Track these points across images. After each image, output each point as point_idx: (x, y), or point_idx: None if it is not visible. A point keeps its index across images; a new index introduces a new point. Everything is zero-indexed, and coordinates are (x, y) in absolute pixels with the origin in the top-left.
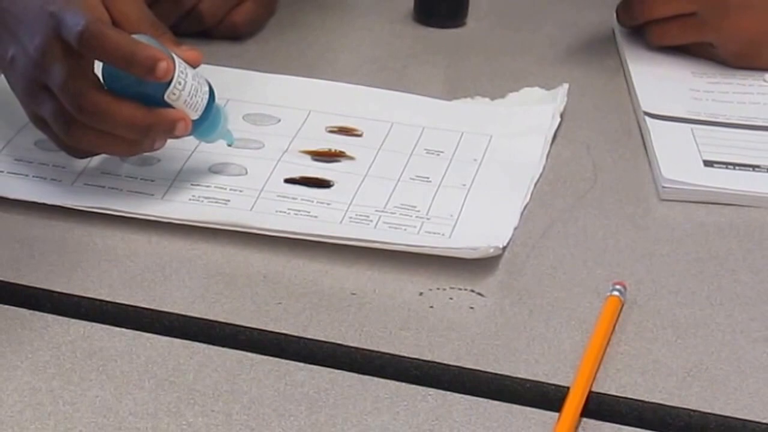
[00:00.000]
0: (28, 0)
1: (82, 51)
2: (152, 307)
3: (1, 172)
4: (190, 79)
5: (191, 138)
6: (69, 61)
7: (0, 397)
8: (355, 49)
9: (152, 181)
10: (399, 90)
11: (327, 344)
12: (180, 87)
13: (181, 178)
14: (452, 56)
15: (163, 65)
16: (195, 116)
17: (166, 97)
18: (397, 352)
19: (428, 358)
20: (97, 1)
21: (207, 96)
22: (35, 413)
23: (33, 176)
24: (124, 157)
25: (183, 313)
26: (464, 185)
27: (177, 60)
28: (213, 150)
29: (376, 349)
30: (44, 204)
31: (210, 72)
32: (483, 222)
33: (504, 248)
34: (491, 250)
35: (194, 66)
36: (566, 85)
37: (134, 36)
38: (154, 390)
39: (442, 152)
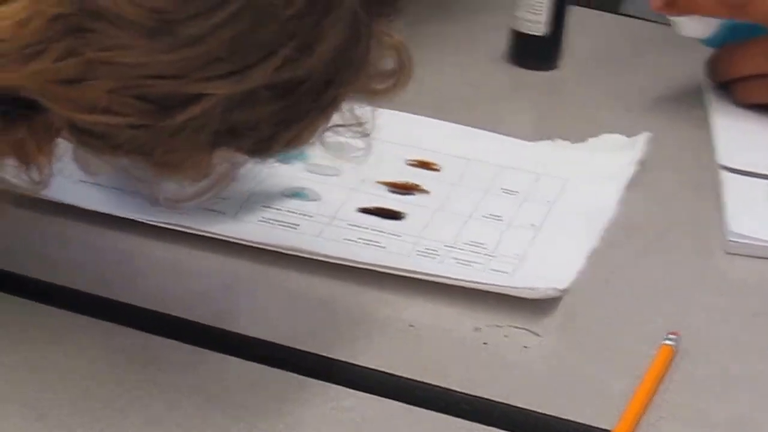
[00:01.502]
0: None
1: None
2: (211, 323)
3: (83, 181)
4: None
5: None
6: None
7: (53, 398)
8: (446, 85)
9: (225, 199)
10: (484, 128)
11: (377, 372)
12: None
13: (254, 199)
14: (540, 98)
15: None
16: None
17: None
18: (447, 385)
19: (478, 394)
20: None
21: None
22: (86, 417)
23: (111, 187)
24: None
25: (240, 331)
26: (534, 226)
27: None
28: (288, 174)
29: (426, 380)
30: (116, 216)
31: None
32: (548, 263)
33: (564, 291)
34: (551, 292)
35: None
36: (647, 134)
37: None
38: (203, 405)
39: (517, 192)
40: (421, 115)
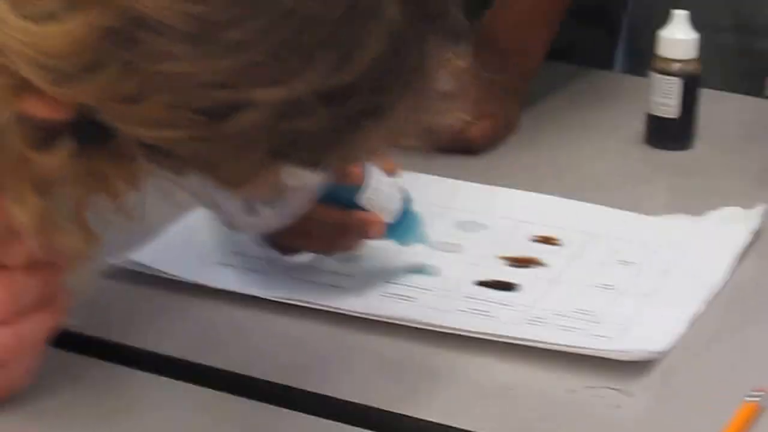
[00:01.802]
0: None
1: None
2: (318, 391)
3: (215, 262)
4: (385, 186)
5: (407, 242)
6: None
7: None
8: (583, 167)
9: (350, 276)
10: (616, 205)
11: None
12: (374, 193)
13: (378, 275)
14: (672, 176)
15: (355, 171)
16: (389, 219)
17: (360, 201)
18: None
19: None
20: None
21: (401, 202)
22: None
23: (242, 267)
24: (327, 254)
25: (342, 397)
26: (644, 294)
27: (374, 170)
28: (414, 251)
29: None
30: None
31: (436, 182)
32: (650, 328)
33: (661, 353)
34: (645, 354)
35: (391, 175)
36: (765, 206)
37: None
38: None
39: (633, 263)
40: (558, 194)
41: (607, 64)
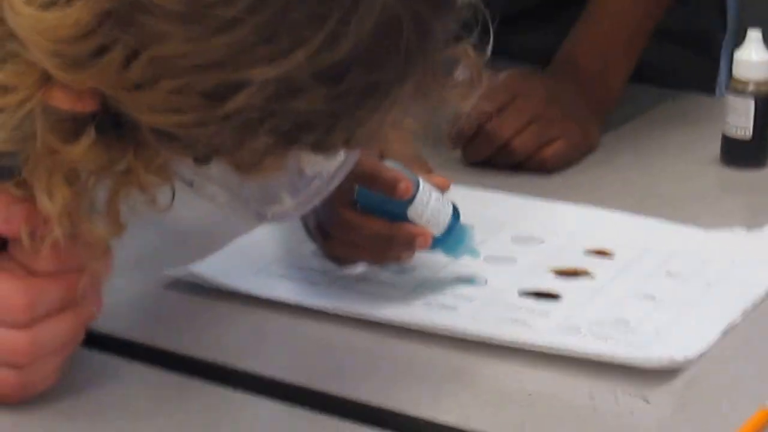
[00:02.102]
0: None
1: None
2: (345, 395)
3: (271, 274)
4: (434, 200)
5: (456, 254)
6: None
7: None
8: (656, 185)
9: (398, 287)
10: (684, 221)
11: None
12: (422, 206)
13: (426, 285)
14: (744, 195)
15: (402, 185)
16: (437, 233)
17: (408, 214)
18: None
19: None
20: None
21: (450, 216)
22: None
23: (298, 279)
24: (380, 265)
25: (373, 402)
26: (685, 305)
27: (423, 184)
28: (466, 263)
29: None
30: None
31: (497, 198)
32: (682, 336)
33: (685, 361)
34: (670, 362)
35: (443, 190)
36: None
37: (386, 162)
38: None
39: (679, 275)
40: (629, 212)
41: (709, 88)
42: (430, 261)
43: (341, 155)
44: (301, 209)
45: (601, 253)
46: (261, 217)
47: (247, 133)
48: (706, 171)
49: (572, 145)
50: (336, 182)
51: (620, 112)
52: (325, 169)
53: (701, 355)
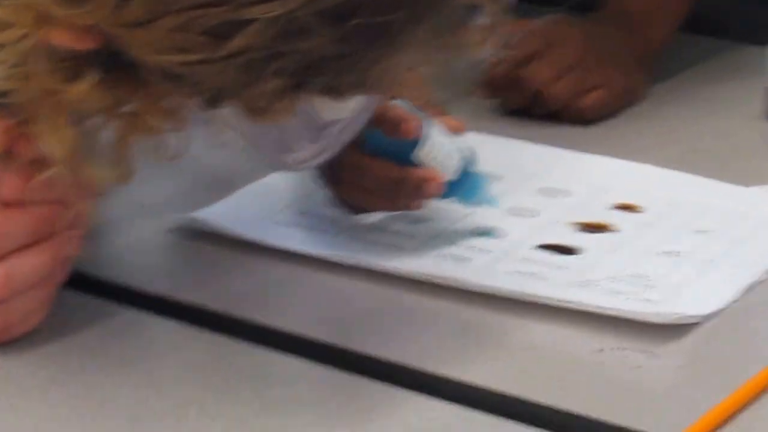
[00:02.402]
0: None
1: None
2: (352, 347)
3: (280, 222)
4: (445, 143)
5: (472, 202)
6: None
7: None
8: (698, 140)
9: (412, 237)
10: (725, 180)
11: (484, 391)
12: (432, 149)
13: (442, 236)
14: None
15: (408, 125)
16: (450, 178)
17: (417, 157)
18: (549, 403)
19: (570, 407)
20: None
21: (463, 161)
22: None
23: (307, 227)
24: (392, 213)
25: (373, 353)
26: (710, 261)
27: (433, 126)
28: (485, 214)
29: (532, 399)
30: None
31: (526, 148)
32: (700, 293)
33: (697, 317)
34: (681, 318)
35: (457, 134)
36: None
37: (394, 102)
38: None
39: (708, 231)
40: (667, 166)
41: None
42: (448, 212)
43: (359, 100)
44: (322, 156)
45: (629, 207)
46: (281, 165)
47: (254, 74)
48: (751, 126)
49: (612, 94)
50: (356, 128)
51: (670, 62)
52: (344, 115)
53: (717, 313)
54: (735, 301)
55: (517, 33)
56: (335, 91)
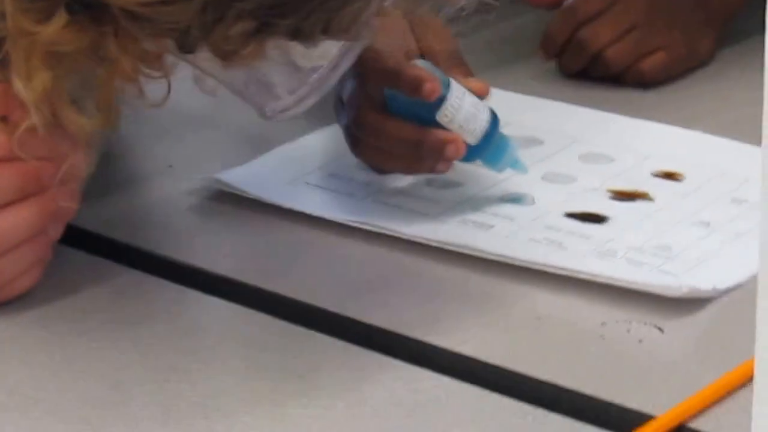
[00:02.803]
0: None
1: (356, 69)
2: (346, 314)
3: (308, 183)
4: (468, 105)
5: (497, 167)
6: (357, 79)
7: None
8: (754, 107)
9: (438, 202)
10: None
11: (473, 361)
12: (453, 110)
13: (468, 202)
14: None
15: (428, 86)
16: (472, 141)
17: (438, 118)
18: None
19: (564, 383)
20: (399, 30)
21: (487, 124)
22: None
23: (332, 189)
24: (416, 175)
25: (366, 320)
26: (738, 234)
27: (455, 86)
28: (518, 180)
29: (523, 371)
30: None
31: (578, 112)
32: (721, 266)
33: (715, 292)
34: (686, 290)
35: (482, 97)
36: None
37: (415, 62)
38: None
39: (745, 201)
40: (722, 133)
41: None
42: (479, 177)
43: (338, 47)
44: (303, 104)
45: (670, 175)
46: (262, 114)
47: (216, 14)
48: None
49: (675, 57)
50: (335, 76)
51: (745, 23)
52: (323, 62)
53: (735, 287)
54: (755, 276)
55: None
56: (303, 35)
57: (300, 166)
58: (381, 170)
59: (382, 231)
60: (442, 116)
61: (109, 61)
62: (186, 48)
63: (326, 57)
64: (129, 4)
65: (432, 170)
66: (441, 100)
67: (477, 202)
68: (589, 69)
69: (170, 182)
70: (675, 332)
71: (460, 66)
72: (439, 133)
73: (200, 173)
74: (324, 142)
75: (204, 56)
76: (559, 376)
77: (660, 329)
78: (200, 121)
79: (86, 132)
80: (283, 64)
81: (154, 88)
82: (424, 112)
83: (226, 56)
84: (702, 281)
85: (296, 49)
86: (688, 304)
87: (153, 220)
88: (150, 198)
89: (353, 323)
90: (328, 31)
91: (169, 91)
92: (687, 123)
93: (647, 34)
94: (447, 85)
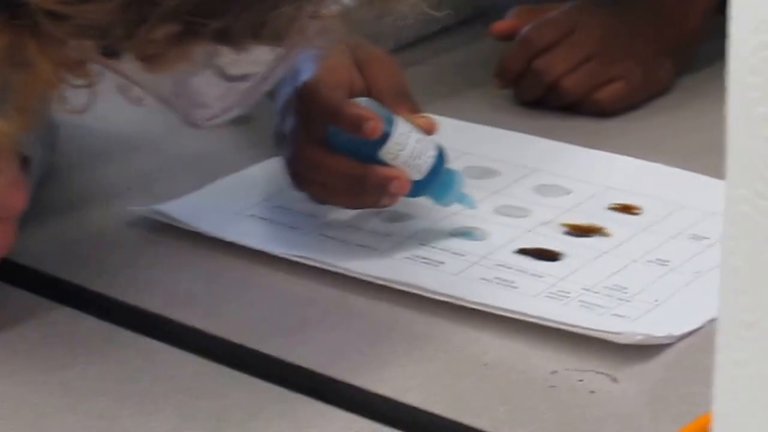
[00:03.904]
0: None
1: (297, 106)
2: (279, 355)
3: (252, 216)
4: (413, 142)
5: (444, 202)
6: (298, 115)
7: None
8: (715, 138)
9: (386, 236)
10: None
11: (417, 411)
12: (398, 147)
13: (417, 236)
14: None
15: (369, 125)
16: (417, 176)
17: (381, 156)
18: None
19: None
20: (344, 67)
21: (433, 159)
22: None
23: (277, 222)
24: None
25: (301, 363)
26: (698, 272)
27: (400, 123)
28: (470, 213)
29: (471, 424)
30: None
31: (535, 143)
32: (680, 310)
33: (674, 337)
34: (639, 338)
35: (429, 133)
36: None
37: (357, 99)
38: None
39: (707, 238)
40: (679, 164)
41: None
42: (429, 209)
43: (270, 54)
44: (230, 113)
45: (628, 208)
46: (191, 123)
47: (138, 14)
48: None
49: (633, 86)
50: (266, 85)
51: (710, 49)
52: (253, 71)
53: (693, 332)
54: (713, 320)
55: (533, 21)
56: (231, 39)
57: (244, 197)
58: (323, 203)
59: (328, 267)
60: (385, 154)
61: (27, 66)
62: (109, 52)
63: (258, 65)
64: (47, 3)
65: (376, 205)
66: (384, 137)
67: (427, 237)
68: (545, 98)
69: (107, 212)
70: (629, 382)
71: (406, 102)
72: (382, 170)
73: (139, 203)
74: (269, 173)
75: (130, 63)
76: (506, 429)
77: (613, 379)
78: (141, 145)
79: (7, 137)
80: (211, 70)
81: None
82: (367, 150)
83: (150, 60)
84: (657, 327)
85: (226, 55)
86: (643, 351)
87: (87, 252)
88: (85, 229)
89: (293, 369)
90: (258, 36)
91: (92, 99)
92: (646, 153)
93: (604, 63)
94: (390, 123)
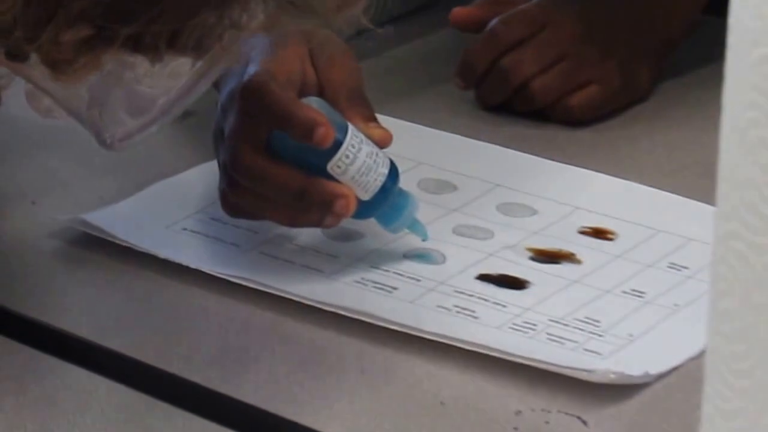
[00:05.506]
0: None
1: (240, 103)
2: (214, 387)
3: (185, 230)
4: (364, 156)
5: (392, 227)
6: (241, 113)
7: None
8: (698, 152)
9: (334, 257)
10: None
11: None
12: (347, 161)
13: (368, 258)
14: None
15: (321, 131)
16: (365, 197)
17: (329, 168)
18: None
19: None
20: (297, 58)
21: (384, 178)
22: None
23: (214, 237)
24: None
25: (241, 398)
26: (677, 305)
27: (352, 132)
28: (431, 235)
29: None
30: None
31: (501, 154)
32: (655, 345)
33: (650, 377)
34: (613, 377)
35: (382, 146)
36: None
37: (307, 99)
38: None
39: (686, 268)
40: (657, 182)
41: None
42: (381, 229)
43: (191, 67)
44: (145, 132)
45: (600, 233)
46: (102, 142)
47: (43, 12)
48: None
49: (609, 91)
50: (187, 101)
51: (690, 51)
52: (172, 86)
53: (670, 372)
54: (694, 359)
55: (500, 13)
56: (145, 47)
57: (179, 207)
58: (249, 215)
59: (268, 290)
60: (333, 167)
61: None
62: (14, 54)
63: (177, 78)
64: None
65: (317, 224)
66: (334, 147)
67: (379, 259)
68: (512, 102)
69: (28, 221)
70: (600, 425)
71: (361, 106)
72: (328, 185)
73: (64, 211)
74: (208, 178)
75: (39, 70)
76: None
77: (583, 421)
78: (66, 146)
79: None
80: (126, 82)
81: None
82: (314, 159)
83: (57, 67)
84: (632, 365)
85: (141, 65)
86: (617, 391)
87: (4, 268)
88: (2, 241)
89: (231, 402)
90: (174, 45)
91: None
92: (621, 168)
93: (578, 65)
94: (343, 130)
